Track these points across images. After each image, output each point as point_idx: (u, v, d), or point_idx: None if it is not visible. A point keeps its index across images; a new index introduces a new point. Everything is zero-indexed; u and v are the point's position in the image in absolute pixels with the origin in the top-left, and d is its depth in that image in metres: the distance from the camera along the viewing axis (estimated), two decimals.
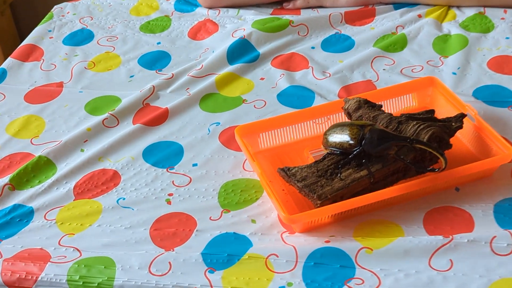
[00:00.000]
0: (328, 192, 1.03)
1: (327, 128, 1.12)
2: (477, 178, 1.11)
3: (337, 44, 1.52)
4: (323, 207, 1.02)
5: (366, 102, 1.18)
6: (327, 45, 1.52)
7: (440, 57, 1.44)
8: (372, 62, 1.44)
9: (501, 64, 1.40)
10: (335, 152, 1.08)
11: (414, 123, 1.10)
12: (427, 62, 1.43)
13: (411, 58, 1.45)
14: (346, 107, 1.18)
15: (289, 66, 1.46)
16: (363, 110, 1.16)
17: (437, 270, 0.96)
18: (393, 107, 1.27)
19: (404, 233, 1.03)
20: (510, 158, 1.09)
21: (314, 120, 1.23)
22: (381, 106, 1.18)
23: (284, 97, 1.36)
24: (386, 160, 1.06)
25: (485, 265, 0.96)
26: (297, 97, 1.36)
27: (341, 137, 1.07)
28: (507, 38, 1.48)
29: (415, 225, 1.04)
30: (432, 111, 1.16)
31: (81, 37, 1.63)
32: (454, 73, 1.38)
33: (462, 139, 1.19)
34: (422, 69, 1.41)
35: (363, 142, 1.04)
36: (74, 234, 1.08)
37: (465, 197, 1.09)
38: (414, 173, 1.09)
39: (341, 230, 1.05)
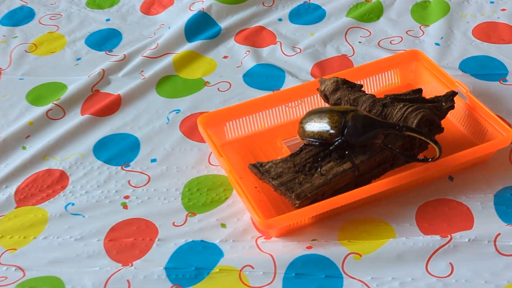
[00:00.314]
0: (308, 190, 0.90)
1: (302, 115, 0.98)
2: (472, 164, 0.99)
3: (306, 15, 1.38)
4: (302, 207, 0.89)
5: (345, 82, 1.04)
6: (295, 16, 1.38)
7: (420, 26, 1.31)
8: (346, 34, 1.31)
9: (487, 32, 1.27)
10: (313, 143, 0.94)
11: (401, 105, 0.97)
12: (407, 32, 1.30)
13: (389, 28, 1.31)
14: (322, 88, 1.04)
15: (254, 41, 1.31)
16: (341, 91, 1.03)
17: (436, 277, 0.84)
18: (373, 85, 1.14)
19: (395, 233, 0.90)
20: (510, 141, 0.97)
21: (286, 105, 1.09)
22: (361, 86, 1.04)
23: (251, 78, 1.22)
24: (372, 150, 0.93)
25: (490, 268, 0.84)
26: (265, 77, 1.22)
27: (319, 126, 0.93)
28: (492, 2, 1.35)
29: (406, 223, 0.92)
30: (419, 91, 1.03)
31: (20, 16, 1.45)
32: (437, 44, 1.25)
33: (453, 120, 1.06)
34: (401, 40, 1.27)
35: (345, 131, 0.91)
36: (16, 250, 0.93)
37: (460, 187, 0.97)
38: (402, 162, 0.96)
39: (324, 232, 0.92)
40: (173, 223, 0.95)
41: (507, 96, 1.11)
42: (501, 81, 1.15)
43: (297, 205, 0.89)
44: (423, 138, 0.89)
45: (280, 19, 1.37)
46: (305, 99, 1.09)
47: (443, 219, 0.92)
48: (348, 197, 0.90)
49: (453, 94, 1.02)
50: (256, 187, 0.98)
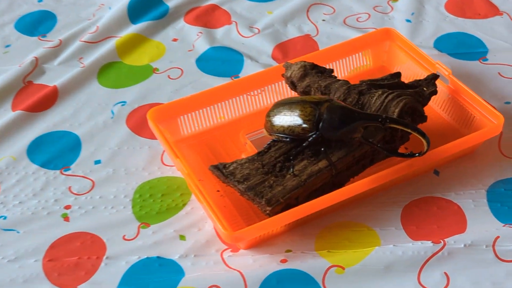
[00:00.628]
0: (280, 194, 0.78)
1: (266, 104, 0.87)
2: (459, 156, 0.89)
3: None
4: (275, 215, 0.77)
5: (314, 67, 0.92)
6: None
7: (388, 1, 1.19)
8: (308, 11, 1.18)
9: (461, 6, 1.17)
10: (283, 139, 0.82)
11: (380, 92, 0.86)
12: (374, 8, 1.18)
13: (354, 4, 1.19)
14: (289, 74, 0.92)
15: (207, 22, 1.18)
16: (310, 77, 0.91)
17: None
18: (344, 69, 1.02)
19: (380, 240, 0.79)
20: (501, 129, 0.86)
21: (248, 93, 0.96)
22: (332, 71, 0.92)
23: (205, 63, 1.09)
24: (350, 146, 0.81)
25: (490, 277, 0.74)
26: (221, 62, 1.09)
27: (290, 120, 0.81)
28: None
29: (392, 227, 0.81)
30: (398, 75, 0.91)
31: None
32: (408, 21, 1.14)
33: (434, 107, 0.95)
34: (369, 17, 1.16)
35: (320, 125, 0.79)
36: None
37: (448, 182, 0.86)
38: (383, 156, 0.85)
39: (299, 241, 0.80)
40: (124, 236, 0.82)
41: (489, 77, 1.01)
42: (481, 60, 1.05)
43: (268, 212, 0.77)
44: (409, 130, 0.78)
45: None
46: (269, 86, 0.97)
47: (432, 221, 0.81)
48: (326, 200, 0.79)
49: (434, 77, 0.91)
50: (218, 191, 0.86)
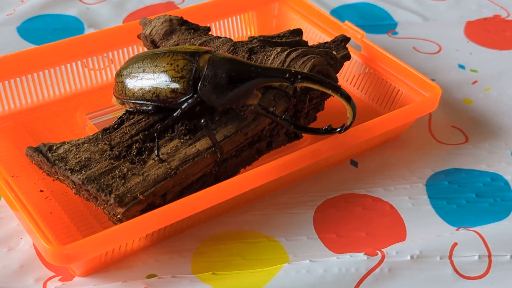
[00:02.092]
0: (138, 189, 0.50)
1: (111, 78, 0.60)
2: (380, 143, 0.66)
3: None
4: (129, 220, 0.49)
5: (183, 22, 0.66)
6: None
7: None
8: None
9: None
10: (143, 108, 0.55)
11: (278, 50, 0.61)
12: None
13: None
14: (148, 32, 0.65)
15: None
16: (179, 35, 0.65)
17: None
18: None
19: (288, 254, 0.54)
20: (437, 103, 0.64)
21: (85, 61, 0.68)
22: (208, 29, 0.67)
23: (31, 32, 0.80)
24: (241, 119, 0.56)
25: None
26: (52, 30, 0.80)
27: (153, 79, 0.54)
28: None
29: (302, 235, 0.56)
30: (299, 32, 0.67)
31: None
32: None
33: (342, 81, 0.72)
34: None
35: (199, 84, 0.53)
36: None
37: (371, 175, 0.62)
38: (283, 140, 0.60)
39: (168, 261, 0.53)
40: None
41: (401, 52, 0.80)
42: (390, 34, 0.84)
43: (119, 216, 0.49)
44: (329, 91, 0.53)
45: None
46: (116, 52, 0.70)
47: (358, 226, 0.57)
48: (208, 199, 0.52)
49: (345, 39, 0.68)
50: (42, 191, 0.57)
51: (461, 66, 0.78)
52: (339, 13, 0.87)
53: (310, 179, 0.61)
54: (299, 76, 0.52)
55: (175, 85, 0.53)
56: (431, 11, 0.88)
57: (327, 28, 0.74)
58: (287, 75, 0.52)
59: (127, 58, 0.70)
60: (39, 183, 0.57)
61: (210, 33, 0.67)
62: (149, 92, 0.54)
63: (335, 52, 0.66)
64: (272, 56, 0.61)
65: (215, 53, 0.54)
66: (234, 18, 0.77)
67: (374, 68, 0.69)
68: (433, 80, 0.70)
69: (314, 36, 0.75)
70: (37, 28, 0.81)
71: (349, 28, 0.71)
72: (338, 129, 0.55)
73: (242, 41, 0.63)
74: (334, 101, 0.59)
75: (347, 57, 0.66)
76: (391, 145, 0.66)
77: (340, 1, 0.89)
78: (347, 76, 0.72)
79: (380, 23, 0.85)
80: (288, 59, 0.60)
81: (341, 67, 0.65)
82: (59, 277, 0.51)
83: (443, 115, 0.70)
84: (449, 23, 0.86)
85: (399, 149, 0.65)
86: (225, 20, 0.76)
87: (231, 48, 0.62)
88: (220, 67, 0.52)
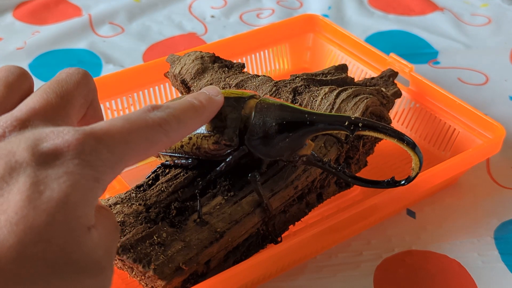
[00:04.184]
0: (181, 257, 0.44)
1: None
2: (438, 189, 0.59)
3: None
4: None
5: (216, 59, 0.60)
6: None
7: None
8: (190, 6, 0.87)
9: (388, 1, 0.90)
10: (181, 162, 0.49)
11: (326, 90, 0.55)
12: (278, 2, 0.88)
13: None
14: (178, 71, 0.59)
15: (48, 16, 0.83)
16: (212, 74, 0.58)
17: None
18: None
19: None
20: (501, 145, 0.58)
21: (108, 103, 0.62)
22: (243, 65, 0.61)
23: (44, 69, 0.74)
24: (290, 170, 0.49)
25: None
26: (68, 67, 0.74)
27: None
28: None
29: None
30: (344, 68, 0.61)
31: None
32: (326, 16, 0.85)
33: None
34: (272, 13, 0.86)
35: (246, 135, 0.46)
36: None
37: (432, 227, 0.56)
38: (333, 190, 0.54)
39: None
40: None
41: (446, 84, 0.74)
42: (431, 64, 0.77)
43: None
44: (394, 140, 0.46)
45: None
46: (141, 92, 0.63)
47: None
48: (259, 264, 0.46)
49: (393, 74, 0.62)
50: None
51: None
52: (373, 41, 0.81)
53: (364, 233, 0.55)
54: (360, 124, 0.45)
55: (218, 136, 0.46)
56: (472, 37, 0.82)
57: (369, 60, 0.67)
58: (346, 123, 0.45)
59: (153, 99, 0.64)
60: None
61: (244, 69, 0.61)
62: (188, 143, 0.48)
63: (384, 89, 0.59)
64: (320, 97, 0.54)
65: (261, 98, 0.48)
66: (266, 51, 0.71)
67: (424, 105, 0.63)
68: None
69: (354, 69, 0.69)
70: (50, 64, 0.75)
71: (394, 61, 0.65)
72: (403, 182, 0.48)
73: (284, 80, 0.57)
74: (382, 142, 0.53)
75: (398, 94, 0.60)
76: (449, 191, 0.59)
77: (372, 28, 0.83)
78: (394, 114, 0.65)
79: (419, 51, 0.79)
80: (338, 100, 0.54)
81: (393, 105, 0.59)
82: None
83: (501, 155, 0.63)
84: (493, 50, 0.80)
85: (458, 195, 0.59)
86: (257, 54, 0.70)
87: (273, 89, 0.55)
88: (268, 114, 0.46)
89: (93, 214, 0.30)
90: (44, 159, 0.29)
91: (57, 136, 0.30)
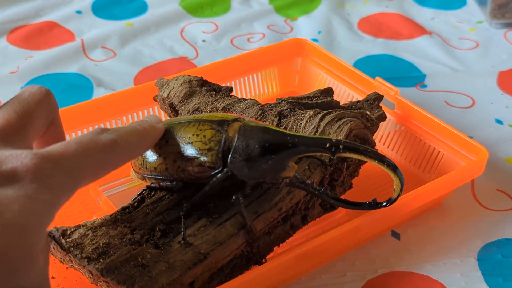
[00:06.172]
0: (164, 279, 0.44)
1: None
2: (422, 211, 0.60)
3: (120, 4, 0.94)
4: None
5: (204, 83, 0.61)
6: (101, 7, 0.93)
7: (285, 20, 0.92)
8: (182, 30, 0.88)
9: (377, 26, 0.91)
10: (166, 184, 0.49)
11: (311, 113, 0.56)
12: (269, 26, 0.90)
13: (242, 21, 0.91)
14: (166, 94, 0.60)
15: (42, 41, 0.84)
16: (200, 97, 0.59)
17: None
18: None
19: None
20: (484, 167, 0.59)
21: (97, 126, 0.63)
22: (231, 89, 0.62)
23: None
24: (274, 192, 0.50)
25: None
26: (60, 91, 0.75)
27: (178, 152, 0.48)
28: None
29: None
30: (329, 91, 0.62)
31: None
32: (315, 40, 0.86)
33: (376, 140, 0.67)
34: (263, 37, 0.87)
35: (229, 157, 0.47)
36: None
37: (416, 249, 0.56)
38: (318, 212, 0.55)
39: None
40: None
41: (433, 107, 0.75)
42: (418, 87, 0.78)
43: None
44: (375, 162, 0.47)
45: (79, 12, 0.91)
46: (131, 115, 0.64)
47: None
48: (244, 285, 0.46)
49: (378, 97, 0.63)
50: (54, 278, 0.51)
51: (499, 121, 0.73)
52: (361, 65, 0.82)
53: (350, 254, 0.55)
54: (341, 146, 0.46)
55: (202, 159, 0.47)
56: (459, 61, 0.83)
57: (355, 83, 0.69)
58: (327, 145, 0.46)
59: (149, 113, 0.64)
60: (50, 269, 0.51)
61: (232, 93, 0.62)
62: (173, 166, 0.48)
63: (369, 113, 0.60)
64: (305, 120, 0.55)
65: (245, 121, 0.49)
66: (254, 75, 0.72)
67: (409, 127, 0.64)
68: (470, 137, 0.65)
69: (341, 92, 0.70)
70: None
71: (380, 85, 0.66)
72: (385, 203, 0.49)
73: (270, 104, 0.58)
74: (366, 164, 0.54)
75: (383, 117, 0.61)
76: (433, 213, 0.60)
77: (361, 52, 0.84)
78: (379, 137, 0.66)
79: (407, 75, 0.80)
80: (322, 124, 0.55)
81: (377, 128, 0.60)
82: None
83: (486, 176, 0.64)
84: (480, 74, 0.81)
85: (443, 217, 0.60)
86: (246, 78, 0.71)
87: (259, 112, 0.56)
88: (252, 137, 0.47)
89: (44, 238, 0.30)
90: (2, 182, 0.29)
91: (16, 159, 0.30)
